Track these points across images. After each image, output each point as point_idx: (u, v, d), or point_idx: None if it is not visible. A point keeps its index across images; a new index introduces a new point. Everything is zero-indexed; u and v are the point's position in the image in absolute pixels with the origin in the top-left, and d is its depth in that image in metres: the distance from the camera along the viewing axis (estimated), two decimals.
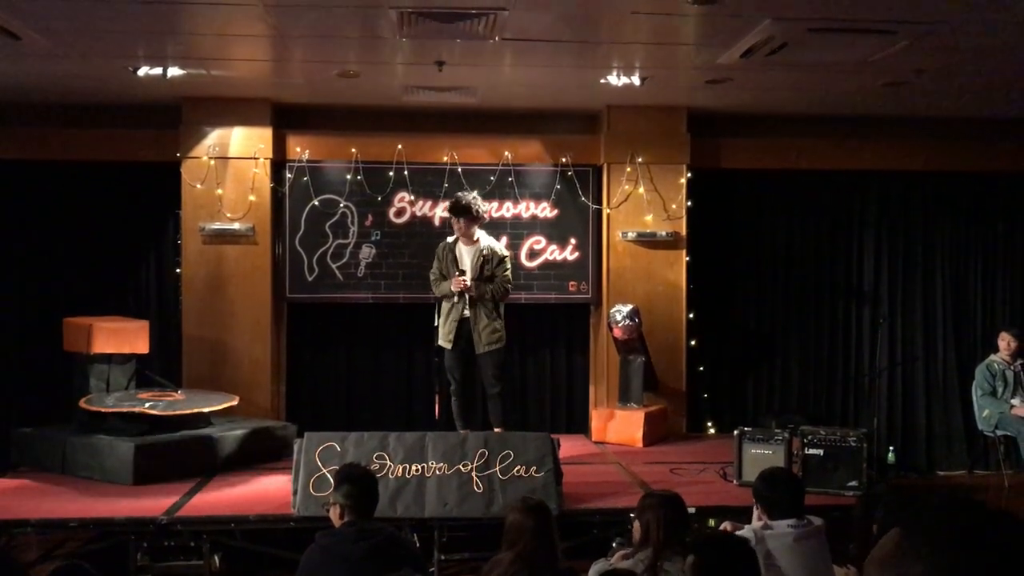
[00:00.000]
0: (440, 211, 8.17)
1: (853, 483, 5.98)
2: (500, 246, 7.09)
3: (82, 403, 6.70)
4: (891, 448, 8.32)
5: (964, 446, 8.63)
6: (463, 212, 6.76)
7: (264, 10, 5.45)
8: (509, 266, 6.95)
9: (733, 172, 8.52)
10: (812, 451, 6.13)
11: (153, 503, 5.71)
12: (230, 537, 5.55)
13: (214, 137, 7.91)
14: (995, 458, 8.14)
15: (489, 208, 7.44)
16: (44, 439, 6.74)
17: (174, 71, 6.80)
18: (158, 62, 6.66)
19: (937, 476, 8.55)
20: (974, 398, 7.98)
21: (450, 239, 7.00)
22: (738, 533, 3.86)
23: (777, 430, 6.40)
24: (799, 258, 8.78)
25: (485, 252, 6.85)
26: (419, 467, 5.63)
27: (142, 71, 6.75)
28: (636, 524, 3.79)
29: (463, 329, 6.77)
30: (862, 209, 8.80)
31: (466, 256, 6.85)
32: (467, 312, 6.74)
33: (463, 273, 6.72)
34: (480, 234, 6.93)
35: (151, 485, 6.14)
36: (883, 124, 8.50)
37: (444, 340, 6.84)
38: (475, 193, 7.05)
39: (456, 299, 6.77)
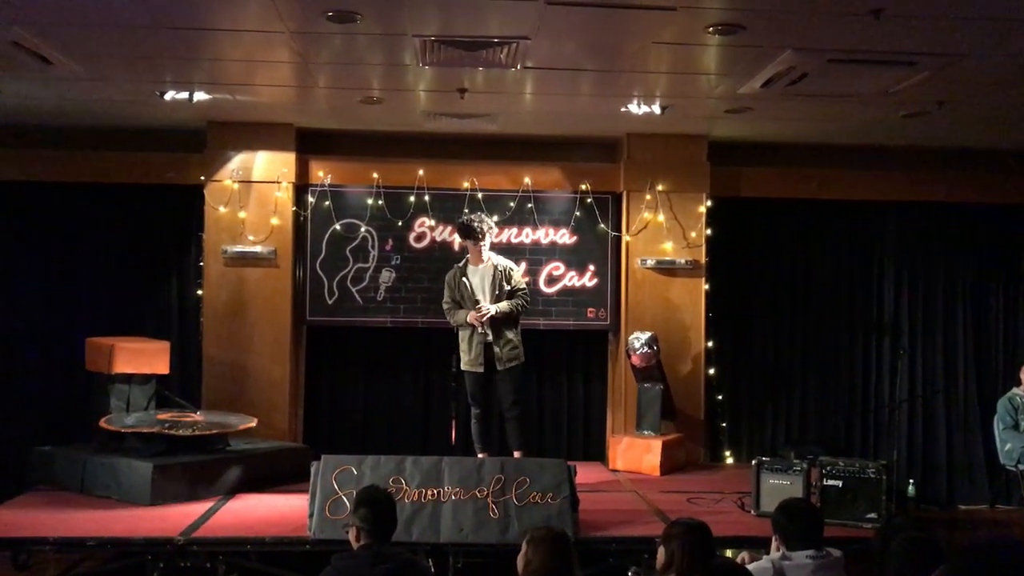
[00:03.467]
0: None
1: (872, 515, 5.92)
2: (509, 261, 7.18)
3: (102, 423, 6.75)
4: (911, 481, 8.23)
5: (986, 480, 8.53)
6: (466, 234, 6.94)
7: (290, 37, 5.53)
8: (521, 277, 7.14)
9: (753, 201, 8.53)
10: (831, 482, 6.07)
11: (170, 524, 5.72)
12: (246, 559, 5.55)
13: (238, 161, 8.00)
14: (1018, 493, 8.03)
15: (501, 230, 7.49)
16: (64, 458, 6.79)
17: (200, 96, 6.89)
18: (185, 87, 6.76)
19: (958, 510, 8.44)
20: (996, 432, 7.90)
21: (459, 265, 7.11)
22: (756, 564, 3.84)
23: (796, 460, 6.36)
24: (819, 288, 8.74)
25: (500, 269, 6.95)
26: (435, 491, 5.62)
27: (169, 95, 6.85)
28: (661, 550, 3.78)
29: (489, 352, 6.81)
30: (883, 240, 8.77)
31: (476, 279, 6.93)
32: (490, 337, 6.79)
33: (477, 303, 6.78)
34: (490, 254, 7.03)
35: (169, 505, 6.17)
36: (904, 155, 8.50)
37: (471, 365, 6.88)
38: (477, 213, 7.24)
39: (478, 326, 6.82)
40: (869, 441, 8.67)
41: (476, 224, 6.91)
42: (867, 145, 8.38)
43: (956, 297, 8.76)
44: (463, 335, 6.96)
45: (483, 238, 6.90)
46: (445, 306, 7.09)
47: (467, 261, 7.08)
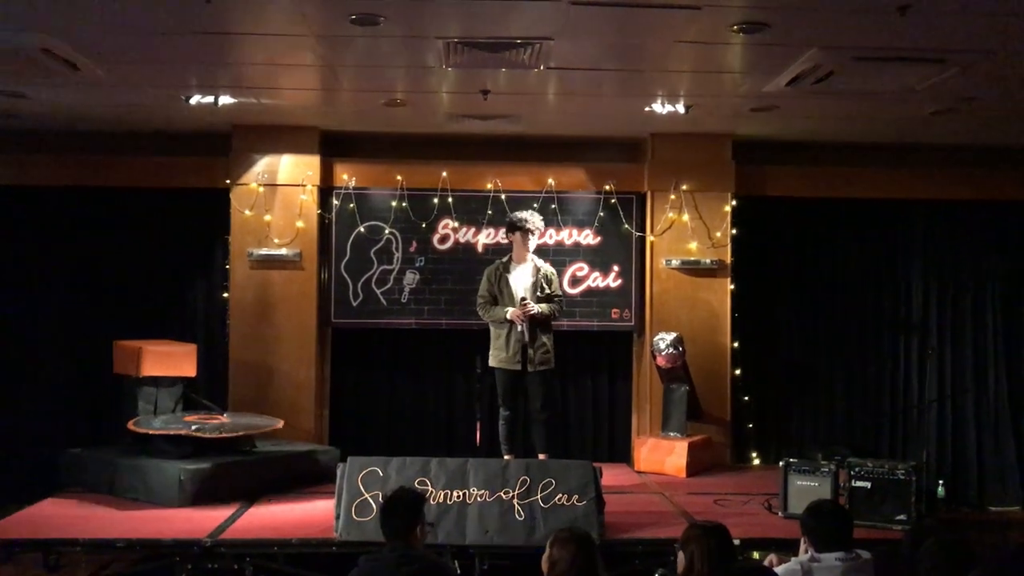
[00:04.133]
0: (483, 238, 8.23)
1: (902, 517, 5.87)
2: (550, 266, 7.21)
3: (130, 425, 6.80)
4: (940, 482, 8.14)
5: (1017, 481, 8.41)
6: (514, 227, 6.94)
7: (314, 40, 5.55)
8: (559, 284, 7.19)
9: (779, 200, 8.46)
10: (859, 483, 6.03)
11: (198, 525, 5.77)
12: (273, 560, 5.58)
13: (263, 164, 8.05)
14: None
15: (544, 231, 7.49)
16: (93, 460, 6.85)
17: (225, 99, 6.94)
18: (209, 91, 6.81)
19: (989, 511, 8.34)
20: None
21: (501, 260, 7.07)
22: (785, 566, 3.82)
23: (823, 462, 6.31)
24: (846, 287, 8.66)
25: (542, 273, 6.94)
26: (460, 493, 5.63)
27: (194, 99, 6.90)
28: (680, 555, 3.76)
29: (523, 353, 6.79)
30: (909, 238, 8.68)
31: (517, 277, 6.91)
32: (526, 338, 6.76)
33: (523, 300, 6.76)
34: (533, 256, 7.03)
35: (196, 507, 6.22)
36: (931, 152, 8.41)
37: (508, 363, 6.83)
38: (530, 210, 7.23)
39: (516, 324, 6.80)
40: (898, 442, 8.57)
41: (527, 217, 6.95)
42: (895, 143, 8.30)
43: (985, 295, 8.65)
44: (498, 332, 6.92)
45: (532, 232, 6.90)
46: (480, 300, 7.04)
47: (510, 258, 7.06)
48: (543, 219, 7.17)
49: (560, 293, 7.13)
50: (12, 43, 5.46)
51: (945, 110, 6.90)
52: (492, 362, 6.95)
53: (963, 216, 8.63)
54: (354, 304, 8.22)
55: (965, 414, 8.59)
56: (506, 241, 8.23)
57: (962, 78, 5.95)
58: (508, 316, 6.79)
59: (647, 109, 7.07)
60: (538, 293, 6.89)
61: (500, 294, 6.94)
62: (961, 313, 8.65)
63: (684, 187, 8.12)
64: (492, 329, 6.99)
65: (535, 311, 6.77)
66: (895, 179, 8.45)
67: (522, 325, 6.75)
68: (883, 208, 8.59)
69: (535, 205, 8.10)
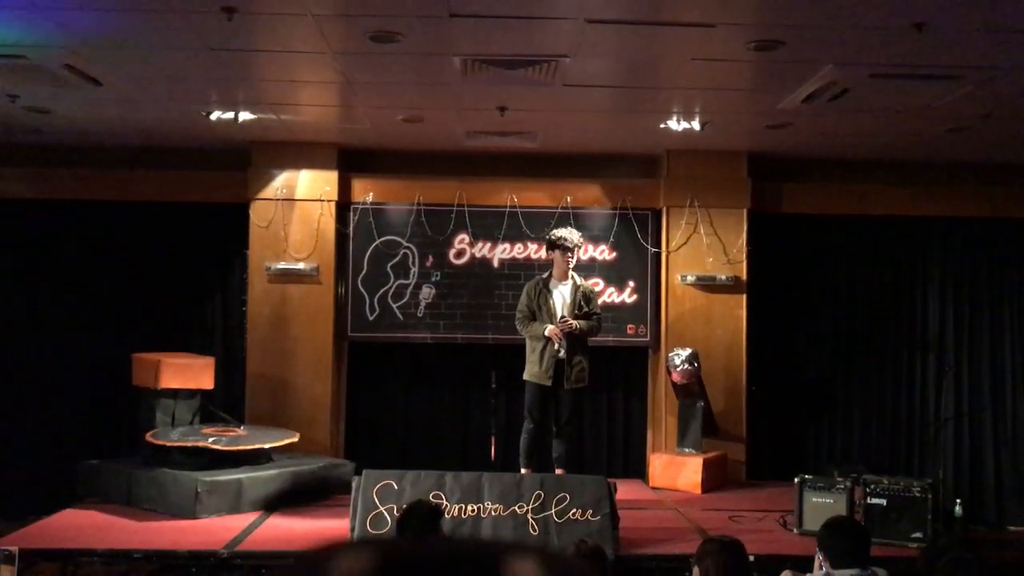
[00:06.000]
0: (500, 253, 8.27)
1: (918, 534, 5.84)
2: (589, 283, 7.20)
3: (148, 437, 6.86)
4: (958, 500, 8.08)
5: None
6: (555, 245, 6.87)
7: (332, 58, 5.62)
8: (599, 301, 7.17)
9: (795, 216, 8.46)
10: (875, 500, 6.00)
11: (214, 537, 5.81)
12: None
13: (282, 179, 8.12)
14: None
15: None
16: (110, 471, 6.91)
17: (245, 115, 7.02)
18: (230, 107, 6.89)
19: (1007, 531, 8.27)
20: None
21: (542, 276, 7.06)
22: None
23: (839, 479, 6.28)
24: (862, 304, 8.64)
25: (583, 289, 6.94)
26: (475, 507, 5.64)
27: (215, 115, 6.98)
28: (696, 570, 3.76)
29: (558, 369, 6.77)
30: (926, 255, 8.66)
31: (558, 294, 6.89)
32: (563, 354, 6.74)
33: (563, 318, 6.75)
34: (572, 272, 6.99)
35: (213, 518, 6.26)
36: (948, 169, 8.39)
37: (540, 378, 6.78)
38: (567, 227, 7.14)
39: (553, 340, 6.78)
40: (914, 459, 8.52)
41: (566, 235, 6.88)
42: (911, 160, 8.28)
43: (1002, 313, 8.60)
44: (534, 346, 6.85)
45: (571, 249, 6.85)
46: (518, 315, 6.96)
47: (550, 275, 7.00)
48: (580, 235, 7.09)
49: (599, 311, 7.06)
50: (36, 59, 5.55)
51: (961, 127, 6.90)
52: (525, 375, 6.89)
53: (980, 233, 8.61)
54: (370, 318, 8.26)
55: (983, 432, 8.54)
56: (522, 256, 8.29)
57: (977, 95, 5.96)
58: (546, 333, 6.76)
59: (662, 126, 7.11)
60: (576, 311, 6.86)
61: (539, 310, 6.86)
62: (978, 330, 8.60)
63: (700, 203, 8.13)
64: (528, 343, 6.93)
65: (574, 327, 6.72)
66: (912, 196, 8.44)
67: (559, 343, 6.75)
68: (900, 225, 8.57)
69: (551, 221, 8.14)
